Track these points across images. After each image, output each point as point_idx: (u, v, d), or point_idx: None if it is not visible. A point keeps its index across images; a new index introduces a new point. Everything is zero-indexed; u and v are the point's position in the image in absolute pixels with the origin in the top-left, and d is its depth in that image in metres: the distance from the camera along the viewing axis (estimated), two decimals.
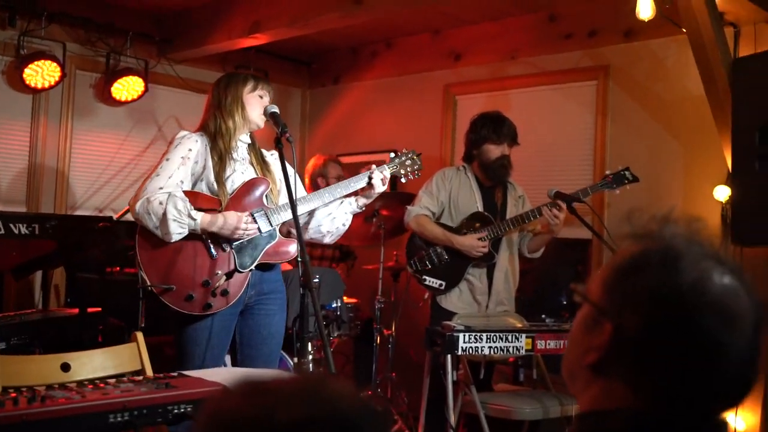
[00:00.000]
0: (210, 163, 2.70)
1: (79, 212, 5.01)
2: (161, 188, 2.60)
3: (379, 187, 2.86)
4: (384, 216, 4.41)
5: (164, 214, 2.56)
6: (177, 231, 2.58)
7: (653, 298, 0.89)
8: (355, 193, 2.91)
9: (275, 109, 2.71)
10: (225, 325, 2.71)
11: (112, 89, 4.97)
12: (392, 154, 3.03)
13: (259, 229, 2.74)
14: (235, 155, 2.79)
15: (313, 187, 4.40)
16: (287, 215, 2.77)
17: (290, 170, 2.60)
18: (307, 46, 5.86)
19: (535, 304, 4.66)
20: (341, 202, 2.92)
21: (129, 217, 4.04)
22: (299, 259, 2.21)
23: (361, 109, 5.87)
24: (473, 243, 3.75)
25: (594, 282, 0.97)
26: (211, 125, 2.79)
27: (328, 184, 4.55)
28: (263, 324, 2.81)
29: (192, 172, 2.69)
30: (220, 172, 2.69)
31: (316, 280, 3.77)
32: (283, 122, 2.61)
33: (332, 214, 2.90)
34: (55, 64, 4.61)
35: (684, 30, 3.49)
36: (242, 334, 2.80)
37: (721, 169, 3.89)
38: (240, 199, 2.73)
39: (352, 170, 5.97)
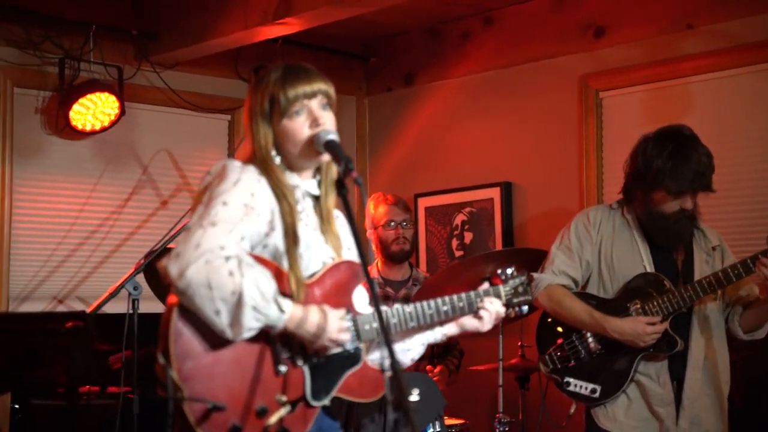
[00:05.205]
0: (279, 227, 2.63)
1: (27, 306, 5.00)
2: (222, 247, 2.48)
3: (488, 325, 2.90)
4: None
5: (239, 294, 2.45)
6: (251, 325, 2.48)
7: None
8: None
9: (332, 135, 2.61)
10: None
11: (71, 114, 4.92)
12: (499, 271, 3.04)
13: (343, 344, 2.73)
14: (303, 214, 2.71)
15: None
16: (378, 329, 2.74)
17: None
18: (363, 32, 5.88)
19: (750, 416, 4.39)
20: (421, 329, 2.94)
21: (110, 309, 3.98)
22: (386, 368, 2.30)
23: (449, 121, 5.81)
24: (637, 328, 3.66)
25: None
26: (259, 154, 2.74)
27: (379, 240, 4.88)
28: None
29: (252, 231, 2.61)
30: (291, 246, 2.62)
31: (416, 397, 3.70)
32: (347, 155, 2.52)
33: (407, 345, 2.91)
34: None
35: None
36: None
37: None
38: (322, 292, 2.69)
39: (439, 217, 5.81)
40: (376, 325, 2.70)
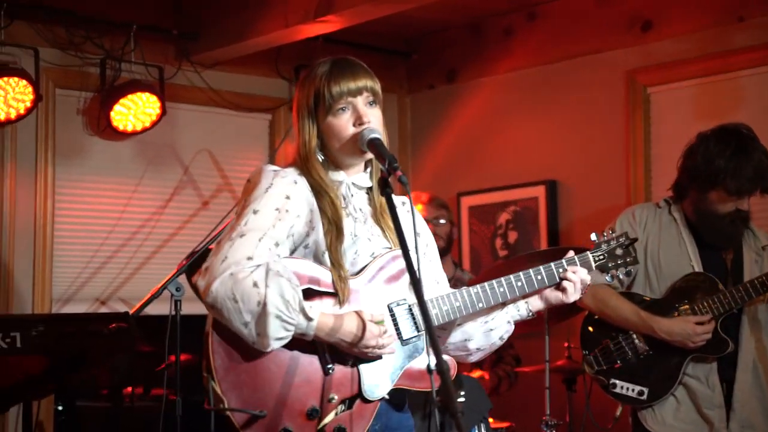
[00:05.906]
0: (320, 225, 2.62)
1: (70, 307, 5.01)
2: (250, 258, 2.51)
3: (574, 296, 2.80)
4: None
5: (263, 305, 2.46)
6: (278, 335, 2.48)
7: None
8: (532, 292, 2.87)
9: (376, 134, 2.61)
10: None
11: (112, 114, 4.97)
12: (593, 236, 2.93)
13: (399, 334, 2.65)
14: (350, 208, 2.70)
15: None
16: (441, 314, 2.70)
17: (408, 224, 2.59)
18: (404, 29, 5.87)
19: None
20: (504, 307, 2.89)
21: (152, 310, 4.02)
22: (432, 367, 2.25)
23: (492, 118, 5.80)
24: (687, 328, 3.65)
25: None
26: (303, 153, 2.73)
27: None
28: None
29: (289, 233, 2.60)
30: (333, 242, 2.62)
31: (462, 398, 3.71)
32: (391, 154, 2.53)
33: (489, 325, 2.84)
34: (24, 81, 4.61)
35: None
36: None
37: None
38: (372, 284, 2.67)
39: (483, 216, 5.77)
40: (436, 311, 2.67)
